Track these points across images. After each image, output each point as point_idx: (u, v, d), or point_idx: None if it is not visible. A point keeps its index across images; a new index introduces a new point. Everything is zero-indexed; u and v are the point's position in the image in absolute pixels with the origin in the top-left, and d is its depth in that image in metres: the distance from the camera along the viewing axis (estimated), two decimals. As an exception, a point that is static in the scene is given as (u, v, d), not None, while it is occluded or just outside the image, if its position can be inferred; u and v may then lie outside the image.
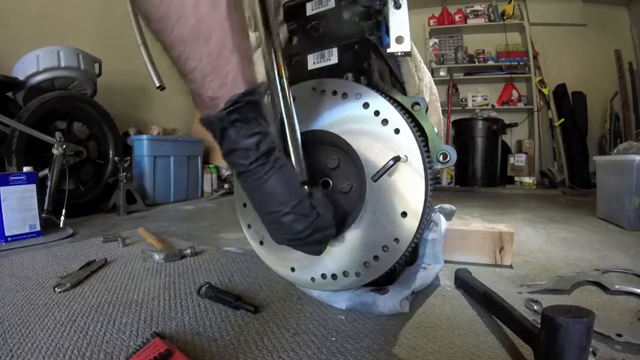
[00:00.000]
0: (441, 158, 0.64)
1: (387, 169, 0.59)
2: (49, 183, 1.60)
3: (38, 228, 1.28)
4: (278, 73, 0.56)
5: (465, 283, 0.77)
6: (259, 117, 0.46)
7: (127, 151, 2.22)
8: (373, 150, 0.61)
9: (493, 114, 3.61)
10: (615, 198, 1.59)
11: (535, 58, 3.78)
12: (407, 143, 0.59)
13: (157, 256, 0.98)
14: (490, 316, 0.65)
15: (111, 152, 2.04)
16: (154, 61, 0.91)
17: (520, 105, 3.89)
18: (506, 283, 0.84)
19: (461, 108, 3.99)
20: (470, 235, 0.98)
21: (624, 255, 1.09)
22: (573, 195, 2.88)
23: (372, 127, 0.61)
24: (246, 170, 0.47)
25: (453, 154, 0.63)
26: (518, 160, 3.52)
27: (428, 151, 0.63)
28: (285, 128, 0.57)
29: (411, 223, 0.59)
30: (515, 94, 3.94)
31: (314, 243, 0.54)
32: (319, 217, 0.52)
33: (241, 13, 0.43)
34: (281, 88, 0.56)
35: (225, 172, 2.85)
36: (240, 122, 0.43)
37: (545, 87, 3.72)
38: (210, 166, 2.76)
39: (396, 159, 0.58)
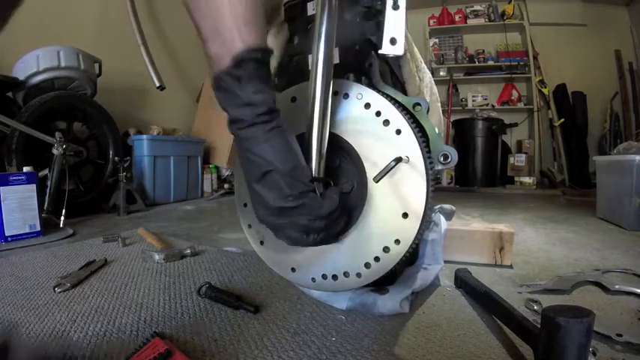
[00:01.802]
0: (442, 159, 0.63)
1: (388, 170, 0.59)
2: (49, 183, 1.60)
3: (38, 228, 1.28)
4: (315, 69, 0.56)
5: (465, 283, 0.77)
6: (262, 77, 0.47)
7: (127, 151, 2.22)
8: (374, 150, 0.61)
9: (493, 114, 3.61)
10: (615, 198, 1.59)
11: (535, 58, 3.78)
12: (408, 144, 0.59)
13: (156, 256, 0.98)
14: (490, 316, 0.65)
15: (111, 152, 2.04)
16: (153, 61, 0.92)
17: (520, 105, 3.89)
18: (507, 283, 0.84)
19: (461, 108, 3.99)
20: (470, 235, 0.98)
21: (624, 255, 1.09)
22: (573, 195, 2.88)
23: (374, 128, 0.61)
24: (250, 124, 0.47)
25: (454, 155, 0.63)
26: (518, 160, 3.52)
27: (429, 151, 0.63)
28: (313, 122, 0.56)
29: (412, 225, 0.59)
30: (515, 94, 3.94)
31: (296, 226, 0.52)
32: (314, 199, 0.51)
33: None
34: (321, 83, 0.56)
35: (225, 172, 2.85)
36: (244, 79, 0.46)
37: (545, 87, 3.72)
38: (210, 166, 2.76)
39: (398, 160, 0.58)
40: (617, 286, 0.77)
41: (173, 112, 3.00)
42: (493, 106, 3.95)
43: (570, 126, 3.62)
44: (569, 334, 0.42)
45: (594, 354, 0.51)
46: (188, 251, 1.04)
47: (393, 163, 0.58)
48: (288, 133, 0.51)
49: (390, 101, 0.61)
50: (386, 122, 0.60)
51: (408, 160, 0.59)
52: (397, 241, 0.60)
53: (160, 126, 2.57)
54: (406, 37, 0.74)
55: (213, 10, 0.45)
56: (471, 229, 0.99)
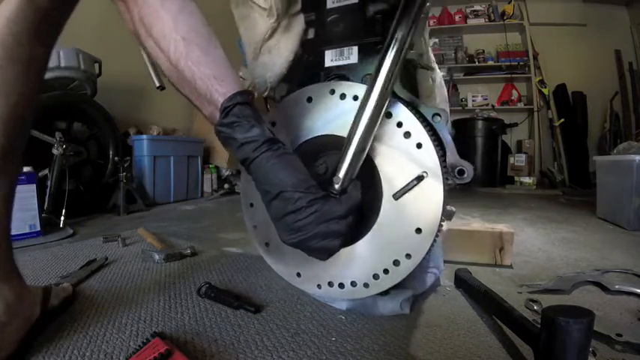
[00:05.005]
0: (457, 174, 0.62)
1: (409, 189, 0.58)
2: (49, 183, 1.59)
3: (38, 228, 1.28)
4: (375, 81, 0.55)
5: (465, 283, 0.77)
6: (248, 116, 0.51)
7: (127, 151, 2.22)
8: (393, 162, 0.60)
9: (493, 114, 3.61)
10: (615, 198, 1.59)
11: (535, 58, 3.78)
12: (428, 159, 0.58)
13: (156, 256, 0.98)
14: (490, 316, 0.65)
15: (111, 152, 2.04)
16: (154, 61, 0.91)
17: (520, 105, 3.90)
18: (507, 283, 0.84)
19: (461, 108, 3.99)
20: (470, 235, 0.98)
21: (624, 255, 1.09)
22: (573, 195, 2.88)
23: (394, 140, 0.60)
24: (252, 159, 0.51)
25: (469, 170, 0.61)
26: (518, 160, 3.52)
27: (445, 166, 0.61)
28: (354, 132, 0.55)
29: (425, 240, 0.58)
30: (515, 94, 3.94)
31: (319, 235, 0.51)
32: (328, 202, 0.51)
33: (203, 48, 0.53)
34: (381, 89, 0.55)
35: (225, 172, 2.85)
36: (236, 123, 0.51)
37: (545, 87, 3.72)
38: (210, 166, 2.76)
39: (420, 179, 0.57)
40: (617, 286, 0.77)
41: (173, 112, 3.00)
42: (493, 106, 3.96)
43: (570, 126, 3.62)
44: (569, 335, 0.42)
45: (594, 354, 0.51)
46: (188, 251, 1.04)
47: (415, 182, 0.58)
48: (290, 154, 0.53)
49: (411, 110, 0.60)
50: (407, 134, 0.59)
51: (427, 176, 0.58)
52: (408, 256, 0.59)
53: (160, 126, 2.56)
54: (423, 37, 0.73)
55: (188, 80, 0.52)
56: (471, 229, 0.99)
